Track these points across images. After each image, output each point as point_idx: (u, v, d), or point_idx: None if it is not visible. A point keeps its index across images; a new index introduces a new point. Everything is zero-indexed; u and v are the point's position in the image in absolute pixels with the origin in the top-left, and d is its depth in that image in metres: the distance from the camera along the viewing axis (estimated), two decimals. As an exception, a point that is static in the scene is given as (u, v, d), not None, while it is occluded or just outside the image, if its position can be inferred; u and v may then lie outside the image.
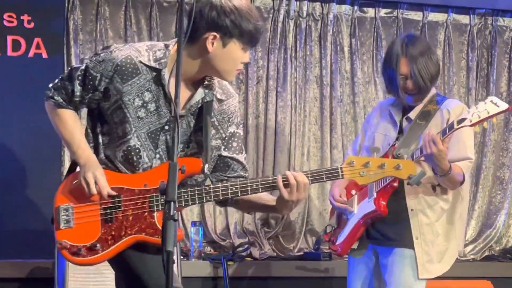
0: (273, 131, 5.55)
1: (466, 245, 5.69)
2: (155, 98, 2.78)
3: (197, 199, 2.77)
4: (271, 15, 5.60)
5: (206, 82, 2.84)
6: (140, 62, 2.77)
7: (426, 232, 3.63)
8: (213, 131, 2.88)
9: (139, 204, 2.75)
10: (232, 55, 2.75)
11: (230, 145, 2.94)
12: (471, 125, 3.35)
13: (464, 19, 5.95)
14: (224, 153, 2.94)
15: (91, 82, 2.78)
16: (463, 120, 3.35)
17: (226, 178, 2.94)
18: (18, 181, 4.93)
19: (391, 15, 5.84)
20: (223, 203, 2.97)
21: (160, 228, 2.65)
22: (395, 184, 3.59)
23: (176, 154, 2.30)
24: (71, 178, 2.84)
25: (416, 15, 5.88)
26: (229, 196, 2.79)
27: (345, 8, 5.75)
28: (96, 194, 2.73)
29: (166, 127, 2.81)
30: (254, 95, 5.56)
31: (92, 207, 2.77)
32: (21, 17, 4.90)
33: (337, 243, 3.82)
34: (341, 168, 2.77)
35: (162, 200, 2.71)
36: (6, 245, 4.78)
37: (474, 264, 5.65)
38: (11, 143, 4.93)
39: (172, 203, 2.24)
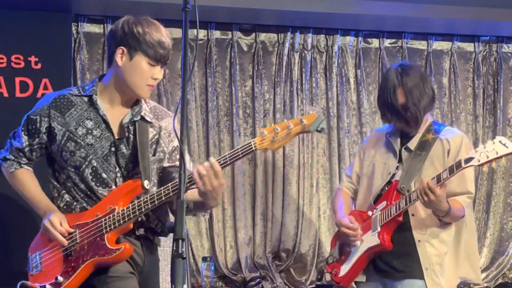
0: (281, 163, 5.55)
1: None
2: (97, 124, 2.99)
3: (137, 211, 2.88)
4: (276, 49, 5.64)
5: (133, 106, 3.04)
6: (71, 95, 3.02)
7: (435, 263, 3.62)
8: (154, 146, 3.05)
9: (92, 232, 2.92)
10: (139, 67, 2.95)
11: (173, 157, 3.12)
12: (479, 165, 3.33)
13: (468, 46, 5.97)
14: (166, 164, 3.10)
15: (33, 127, 3.02)
16: (470, 159, 3.33)
17: None
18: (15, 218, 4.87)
19: (396, 45, 5.86)
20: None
21: (110, 246, 2.87)
22: (399, 218, 3.59)
23: (183, 192, 2.32)
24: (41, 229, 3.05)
25: (420, 44, 5.90)
26: (163, 199, 2.86)
27: (350, 39, 5.78)
28: (58, 238, 2.94)
29: (113, 149, 2.99)
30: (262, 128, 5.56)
31: (56, 248, 2.97)
32: (29, 59, 4.93)
33: (340, 276, 3.79)
34: (253, 141, 2.86)
35: (110, 220, 2.88)
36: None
37: (488, 292, 5.62)
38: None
39: (180, 241, 2.25)
